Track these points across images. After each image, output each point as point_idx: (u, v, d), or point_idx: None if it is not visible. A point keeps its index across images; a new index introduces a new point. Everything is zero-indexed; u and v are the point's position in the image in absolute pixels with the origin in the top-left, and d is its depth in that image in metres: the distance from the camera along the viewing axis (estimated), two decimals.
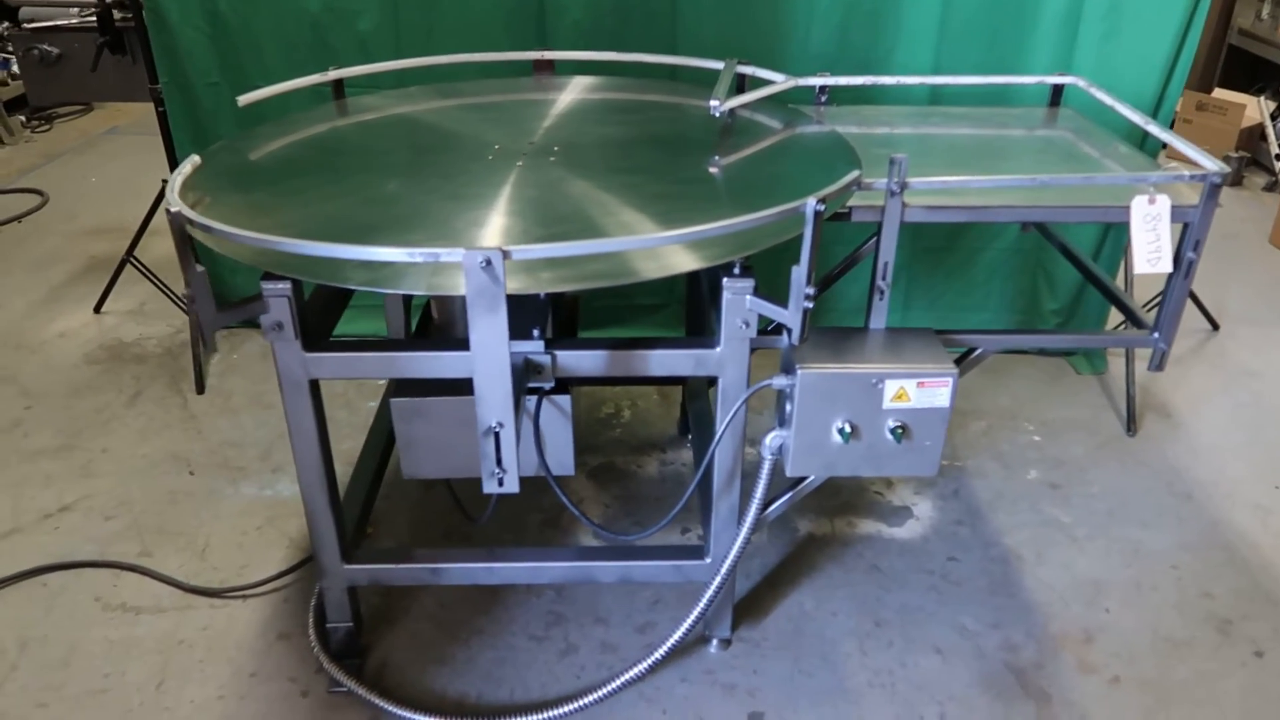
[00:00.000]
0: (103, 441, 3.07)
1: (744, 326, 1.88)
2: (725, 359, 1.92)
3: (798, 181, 2.11)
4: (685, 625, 2.12)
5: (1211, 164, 1.89)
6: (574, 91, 2.69)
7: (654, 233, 1.75)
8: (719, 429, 2.00)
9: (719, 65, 2.66)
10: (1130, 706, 2.19)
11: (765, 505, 2.08)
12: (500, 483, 1.71)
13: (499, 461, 1.69)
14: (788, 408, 1.94)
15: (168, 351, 3.59)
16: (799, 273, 1.73)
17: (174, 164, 3.42)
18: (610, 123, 2.44)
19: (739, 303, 1.85)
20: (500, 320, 1.57)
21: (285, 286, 1.81)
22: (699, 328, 2.82)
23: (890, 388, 1.87)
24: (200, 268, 1.72)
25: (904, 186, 1.86)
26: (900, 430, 1.89)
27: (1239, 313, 3.93)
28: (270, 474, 2.92)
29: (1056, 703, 2.20)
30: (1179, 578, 2.58)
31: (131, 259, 3.65)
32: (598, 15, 3.14)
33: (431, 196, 1.99)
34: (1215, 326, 3.82)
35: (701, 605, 2.13)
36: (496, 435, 1.67)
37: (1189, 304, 2.77)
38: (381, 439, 2.62)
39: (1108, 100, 2.36)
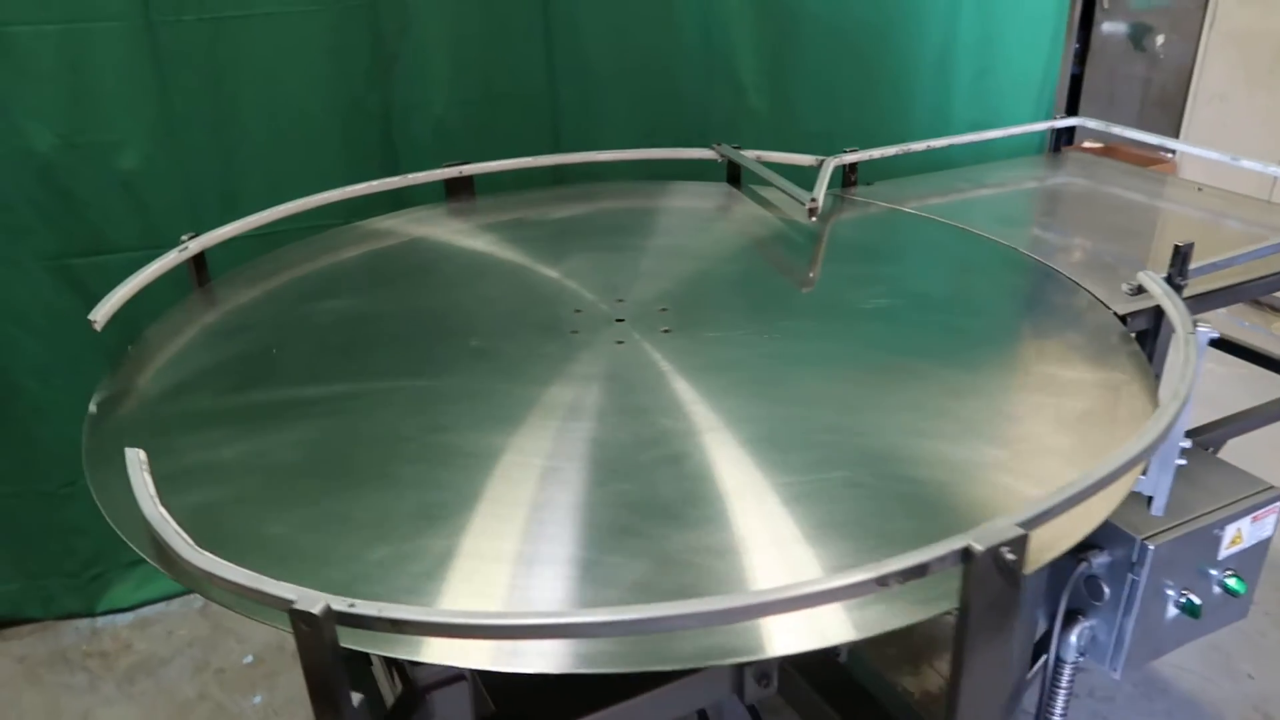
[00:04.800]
0: None
1: None
2: None
3: (992, 288, 1.64)
4: None
5: None
6: (565, 209, 2.00)
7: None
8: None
9: (700, 154, 2.13)
10: None
11: None
12: None
13: None
14: (1106, 591, 1.46)
15: None
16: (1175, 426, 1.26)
17: None
18: (676, 254, 1.79)
19: None
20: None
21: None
22: None
23: (1229, 532, 1.46)
24: (358, 696, 0.85)
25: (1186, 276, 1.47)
26: (1233, 578, 1.49)
27: None
28: None
29: None
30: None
31: None
32: (464, 109, 2.41)
33: (570, 423, 1.23)
34: None
35: None
36: None
37: None
38: None
39: (1132, 135, 2.18)
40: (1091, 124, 2.27)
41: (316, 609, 0.80)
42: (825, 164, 1.93)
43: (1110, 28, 4.79)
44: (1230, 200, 1.99)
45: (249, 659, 2.37)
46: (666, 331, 1.46)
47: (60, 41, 1.99)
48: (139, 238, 2.20)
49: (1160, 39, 4.66)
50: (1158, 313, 1.49)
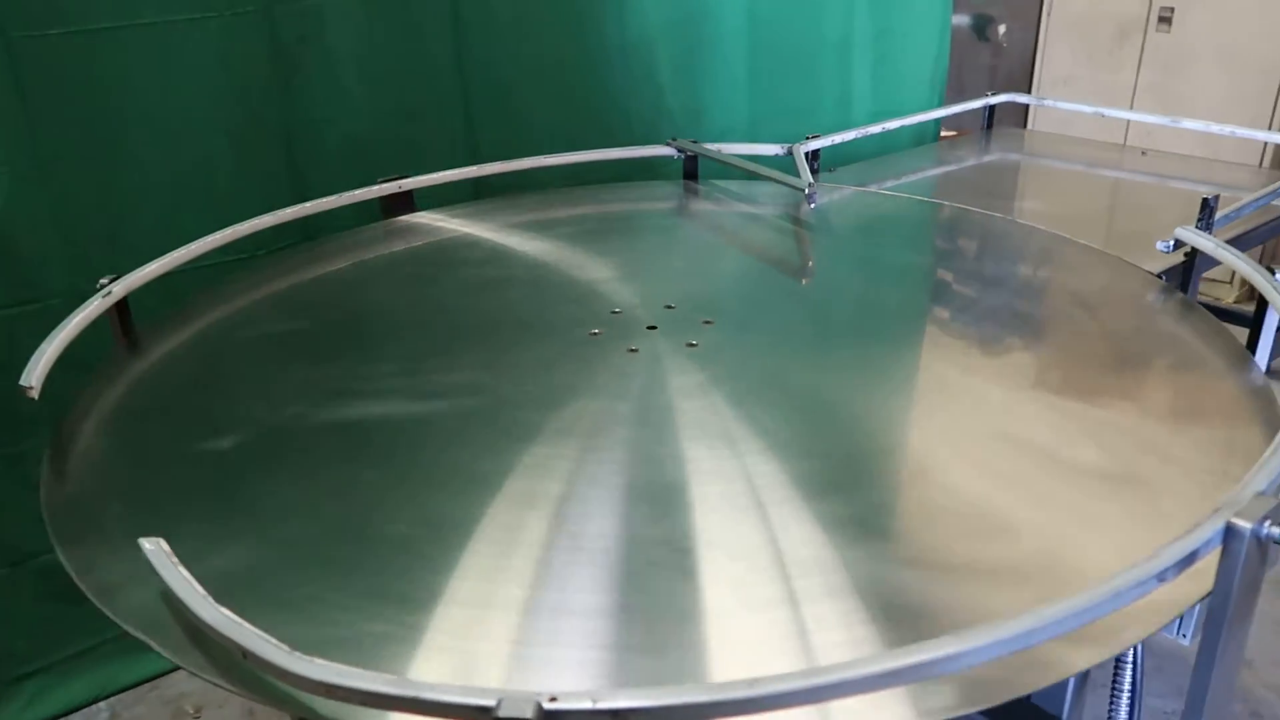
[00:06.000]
0: None
1: None
2: None
3: (1028, 266, 1.58)
4: None
5: None
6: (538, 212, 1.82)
7: None
8: None
9: (656, 151, 2.01)
10: None
11: None
12: None
13: None
14: None
15: None
16: None
17: None
18: (677, 251, 1.65)
19: None
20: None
21: None
22: None
23: None
24: None
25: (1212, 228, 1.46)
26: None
27: None
28: None
29: None
30: None
31: None
32: (374, 123, 2.19)
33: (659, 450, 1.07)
34: None
35: None
36: None
37: None
38: None
39: (1072, 107, 2.20)
40: (1022, 99, 2.30)
41: (529, 712, 0.61)
42: (797, 151, 1.85)
43: (954, 20, 5.00)
44: (1175, 161, 2.04)
45: None
46: (705, 332, 1.32)
47: None
48: (6, 294, 1.86)
49: (1002, 28, 4.90)
50: (1186, 269, 1.47)
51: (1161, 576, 0.72)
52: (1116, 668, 1.52)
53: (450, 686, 0.64)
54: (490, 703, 0.62)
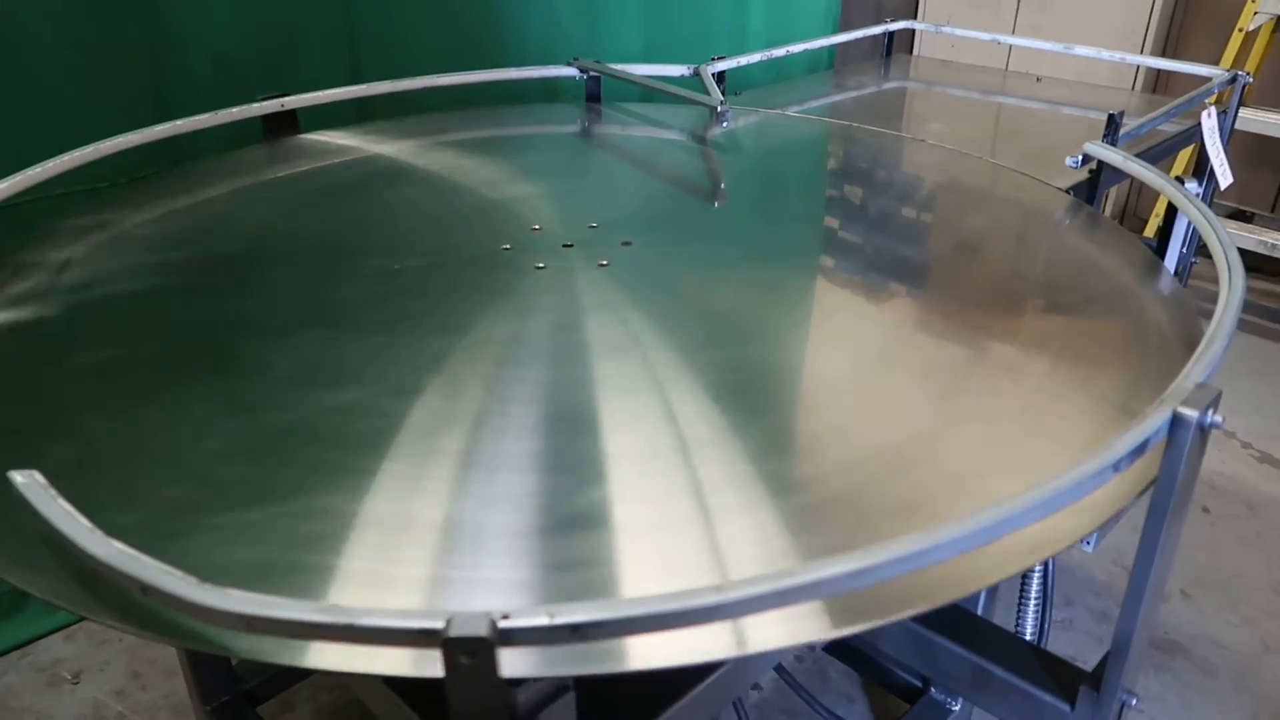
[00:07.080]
0: None
1: None
2: None
3: (938, 185, 1.57)
4: None
5: (1222, 72, 1.86)
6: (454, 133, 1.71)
7: None
8: None
9: (559, 71, 1.92)
10: (1212, 605, 2.22)
11: None
12: None
13: None
14: None
15: None
16: None
17: None
18: (590, 172, 1.57)
19: None
20: None
21: None
22: None
23: None
24: None
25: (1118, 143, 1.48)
26: None
27: None
28: None
29: (1189, 644, 2.12)
30: None
31: None
32: (247, 41, 2.02)
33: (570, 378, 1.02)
34: None
35: None
36: None
37: None
38: None
39: (972, 34, 2.22)
40: (921, 26, 2.30)
41: (484, 630, 0.56)
42: (704, 71, 1.79)
43: None
44: (1064, 87, 2.09)
45: None
46: (617, 253, 1.27)
47: None
48: None
49: None
50: (1091, 185, 1.49)
51: (1116, 466, 0.72)
52: (1024, 575, 1.57)
53: (390, 611, 0.58)
54: (438, 624, 0.56)
